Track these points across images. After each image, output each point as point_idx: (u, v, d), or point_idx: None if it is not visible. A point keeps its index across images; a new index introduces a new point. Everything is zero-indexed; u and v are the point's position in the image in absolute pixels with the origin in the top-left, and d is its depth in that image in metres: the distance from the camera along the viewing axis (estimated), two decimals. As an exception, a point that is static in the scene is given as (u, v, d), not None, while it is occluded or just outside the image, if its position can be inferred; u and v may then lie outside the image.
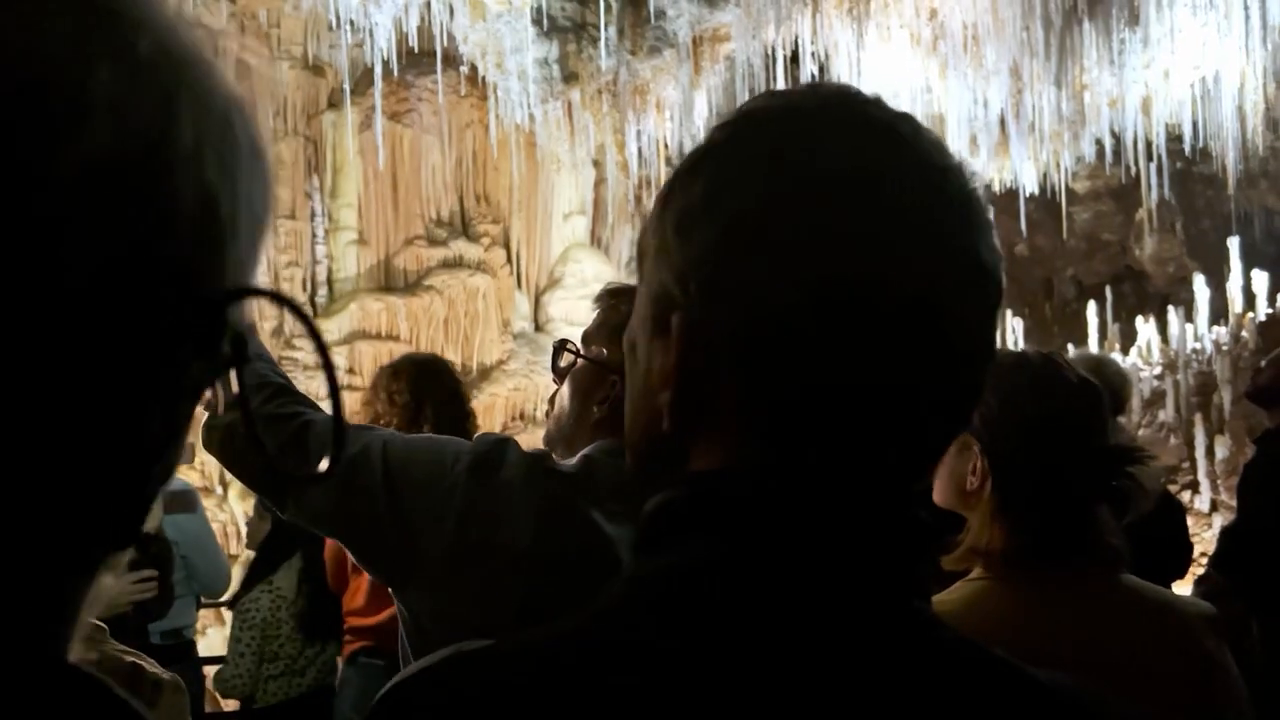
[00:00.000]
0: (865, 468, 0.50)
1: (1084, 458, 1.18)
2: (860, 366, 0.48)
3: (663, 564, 0.50)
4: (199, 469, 6.55)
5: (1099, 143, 8.27)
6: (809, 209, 0.49)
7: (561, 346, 1.34)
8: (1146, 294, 10.57)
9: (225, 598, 3.56)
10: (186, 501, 3.05)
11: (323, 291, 7.74)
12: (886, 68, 7.40)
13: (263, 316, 7.34)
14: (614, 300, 1.34)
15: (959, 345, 0.50)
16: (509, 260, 8.19)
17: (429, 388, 2.31)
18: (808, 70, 7.14)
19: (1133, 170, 8.48)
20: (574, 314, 7.94)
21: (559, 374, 1.35)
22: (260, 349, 1.33)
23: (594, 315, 1.36)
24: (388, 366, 2.45)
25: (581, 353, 1.33)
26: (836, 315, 0.48)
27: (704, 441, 0.52)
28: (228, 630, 3.92)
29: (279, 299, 0.39)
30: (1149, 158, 8.26)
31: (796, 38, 6.97)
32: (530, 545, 1.14)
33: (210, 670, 3.18)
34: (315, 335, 0.40)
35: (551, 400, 1.36)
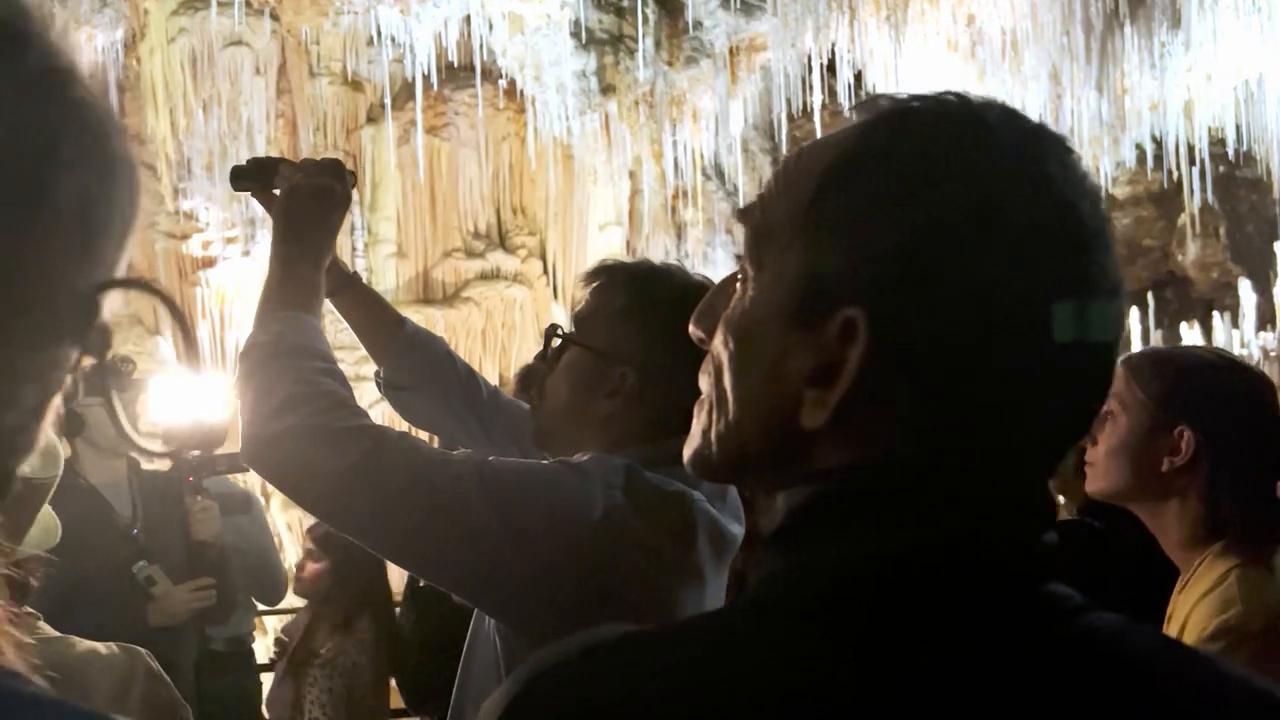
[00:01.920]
0: (1014, 468, 0.52)
1: None
2: (1029, 377, 0.51)
3: (825, 559, 0.50)
4: (242, 480, 6.60)
5: (1139, 147, 8.18)
6: (996, 227, 0.51)
7: (553, 332, 1.23)
8: (1190, 300, 10.42)
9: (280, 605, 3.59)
10: (243, 503, 3.05)
11: (362, 304, 7.81)
12: (924, 74, 7.36)
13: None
14: (608, 280, 1.23)
15: (1104, 363, 0.55)
16: (545, 271, 8.22)
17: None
18: (844, 78, 7.12)
19: (1174, 175, 8.38)
20: (610, 325, 7.95)
21: (549, 362, 1.23)
22: (319, 344, 1.21)
23: (587, 295, 1.24)
24: None
25: (579, 339, 1.21)
26: (1010, 331, 0.50)
27: (846, 438, 0.52)
28: (270, 640, 3.95)
29: (148, 288, 0.44)
30: (1191, 162, 8.16)
31: (833, 46, 6.96)
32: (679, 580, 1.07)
33: (266, 678, 3.20)
34: (179, 318, 0.45)
35: (526, 385, 1.27)
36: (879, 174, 0.52)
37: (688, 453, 0.59)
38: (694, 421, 0.58)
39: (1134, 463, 1.30)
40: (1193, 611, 1.23)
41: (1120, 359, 1.41)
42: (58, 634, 1.29)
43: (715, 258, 8.53)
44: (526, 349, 8.24)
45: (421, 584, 2.74)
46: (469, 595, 1.15)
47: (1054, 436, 0.53)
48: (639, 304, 1.20)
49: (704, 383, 0.58)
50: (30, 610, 1.27)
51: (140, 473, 2.82)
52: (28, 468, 1.36)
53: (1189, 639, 1.19)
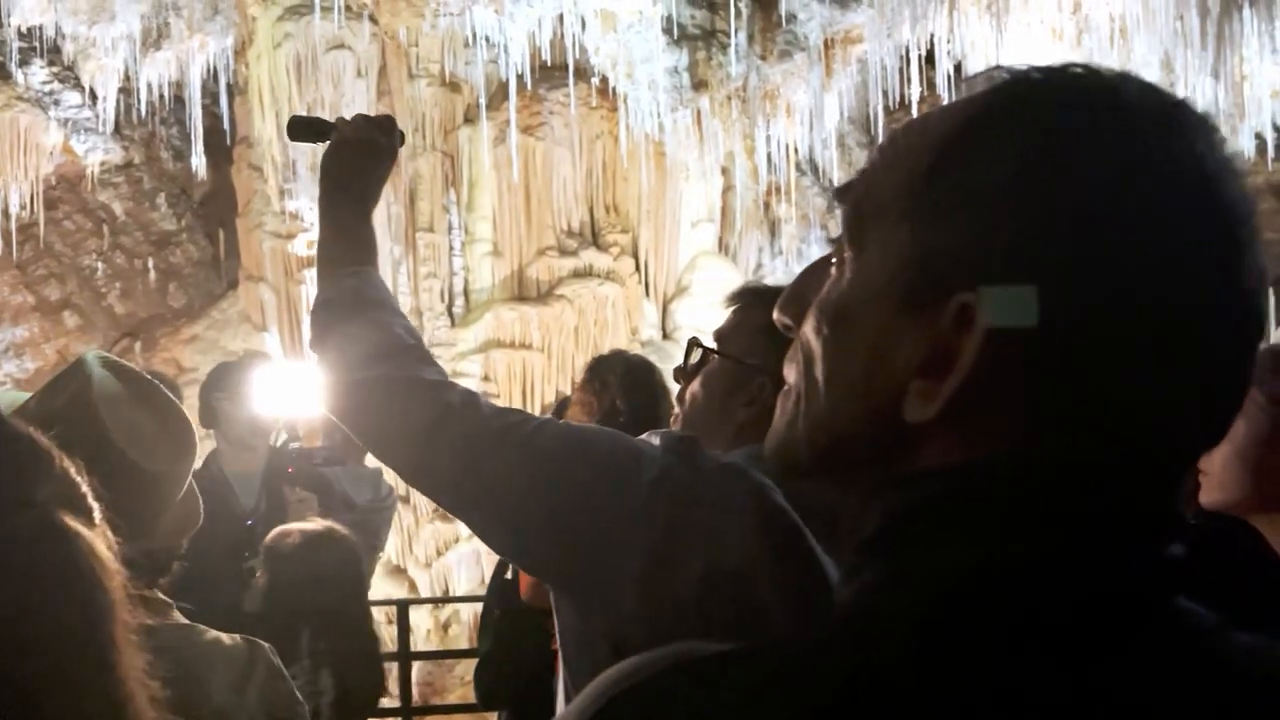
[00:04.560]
0: (1142, 474, 0.48)
1: None
2: (1163, 375, 0.47)
3: (928, 572, 0.46)
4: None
5: (1259, 136, 7.78)
6: (1137, 209, 0.46)
7: (694, 344, 1.29)
8: (1314, 297, 9.89)
9: None
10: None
11: (459, 302, 7.94)
12: (1027, 65, 7.14)
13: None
14: (752, 300, 1.29)
15: (1244, 363, 0.50)
16: (637, 269, 8.25)
17: (632, 387, 2.21)
18: (943, 70, 6.95)
19: (1298, 165, 7.95)
20: (702, 321, 7.92)
21: (689, 374, 1.29)
22: (393, 300, 1.25)
23: (729, 314, 1.30)
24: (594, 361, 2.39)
25: (719, 350, 1.27)
26: (1150, 324, 0.46)
27: (956, 435, 0.48)
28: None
29: None
30: (1316, 151, 7.74)
31: (932, 36, 6.80)
32: (741, 566, 1.02)
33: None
34: None
35: (679, 399, 1.30)
36: (1004, 148, 0.47)
37: (771, 444, 0.55)
38: (778, 413, 0.55)
39: (1253, 472, 1.19)
40: None
41: None
42: (188, 622, 1.33)
43: (810, 254, 8.42)
44: (618, 346, 8.27)
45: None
46: (536, 555, 1.14)
47: (1187, 441, 0.49)
48: None
49: (790, 372, 0.54)
50: (165, 598, 1.32)
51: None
52: (148, 461, 1.42)
53: None
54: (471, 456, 1.10)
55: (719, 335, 1.29)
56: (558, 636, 1.12)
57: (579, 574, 1.07)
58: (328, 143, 1.34)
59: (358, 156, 1.31)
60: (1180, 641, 0.46)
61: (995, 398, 0.47)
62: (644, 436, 1.14)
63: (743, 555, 1.02)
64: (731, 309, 1.30)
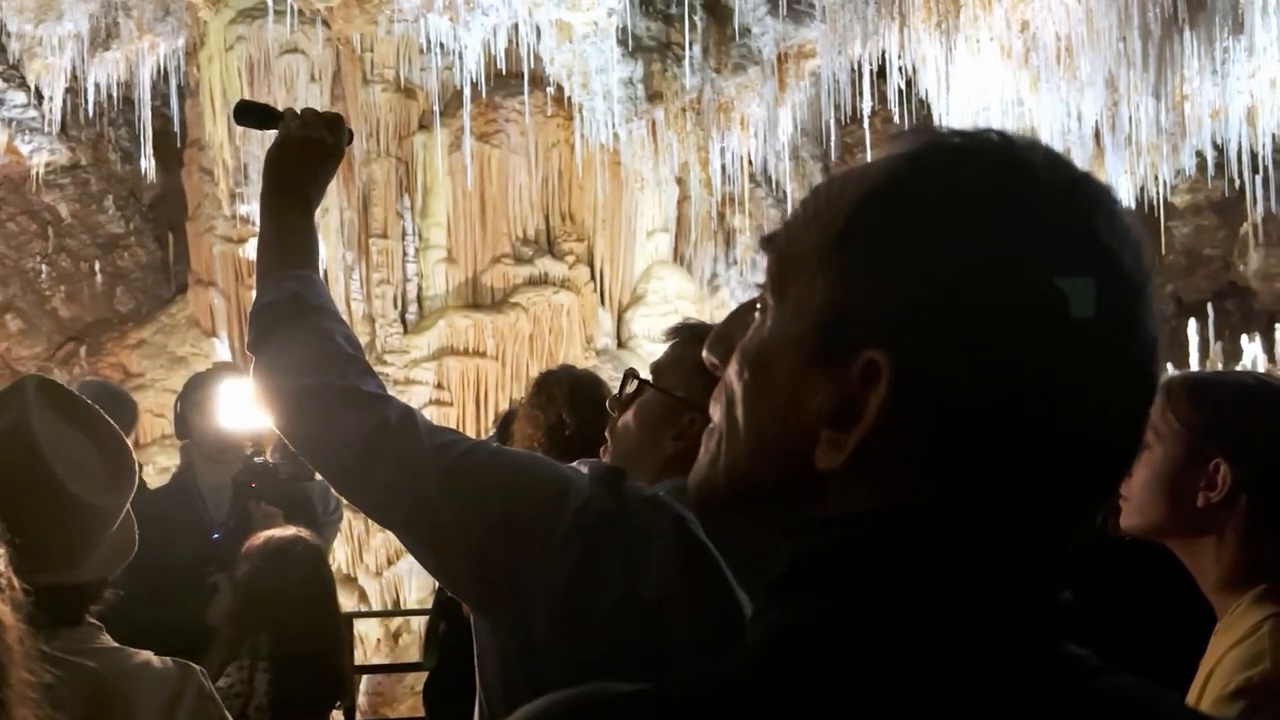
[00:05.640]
0: (1035, 524, 0.51)
1: None
2: (1057, 434, 0.49)
3: (829, 617, 0.48)
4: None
5: (1200, 155, 7.98)
6: (1032, 280, 0.49)
7: (630, 375, 1.29)
8: (1252, 311, 10.14)
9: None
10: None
11: (413, 308, 7.90)
12: (976, 81, 7.27)
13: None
14: (690, 336, 1.28)
15: (1136, 423, 0.53)
16: (593, 277, 8.26)
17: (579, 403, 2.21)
18: (894, 85, 7.06)
19: (1236, 183, 8.17)
20: (656, 330, 7.95)
21: (623, 404, 1.29)
22: (334, 305, 1.24)
23: (667, 348, 1.31)
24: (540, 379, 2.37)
25: (654, 384, 1.27)
26: (1042, 390, 0.49)
27: (861, 483, 0.50)
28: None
29: None
30: (1254, 170, 7.95)
31: (883, 52, 6.90)
32: (656, 597, 1.04)
33: None
34: None
35: (610, 429, 1.30)
36: (912, 212, 0.50)
37: (694, 481, 0.56)
38: (701, 449, 0.56)
39: (1169, 497, 1.20)
40: (1220, 663, 1.14)
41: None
42: (116, 645, 1.32)
43: (764, 265, 8.48)
44: (573, 354, 8.27)
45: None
46: (459, 577, 1.15)
47: (1080, 494, 0.51)
48: None
49: (714, 411, 0.56)
50: (94, 621, 1.31)
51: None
52: (88, 494, 1.40)
53: (1212, 693, 1.10)
54: (403, 476, 1.10)
55: (655, 368, 1.30)
56: (475, 659, 1.13)
57: (498, 596, 1.08)
58: (274, 134, 1.32)
59: (303, 156, 1.28)
60: (1063, 687, 0.48)
61: (897, 452, 0.49)
62: (574, 464, 1.16)
63: (660, 587, 1.04)
64: (670, 343, 1.30)
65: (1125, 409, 0.51)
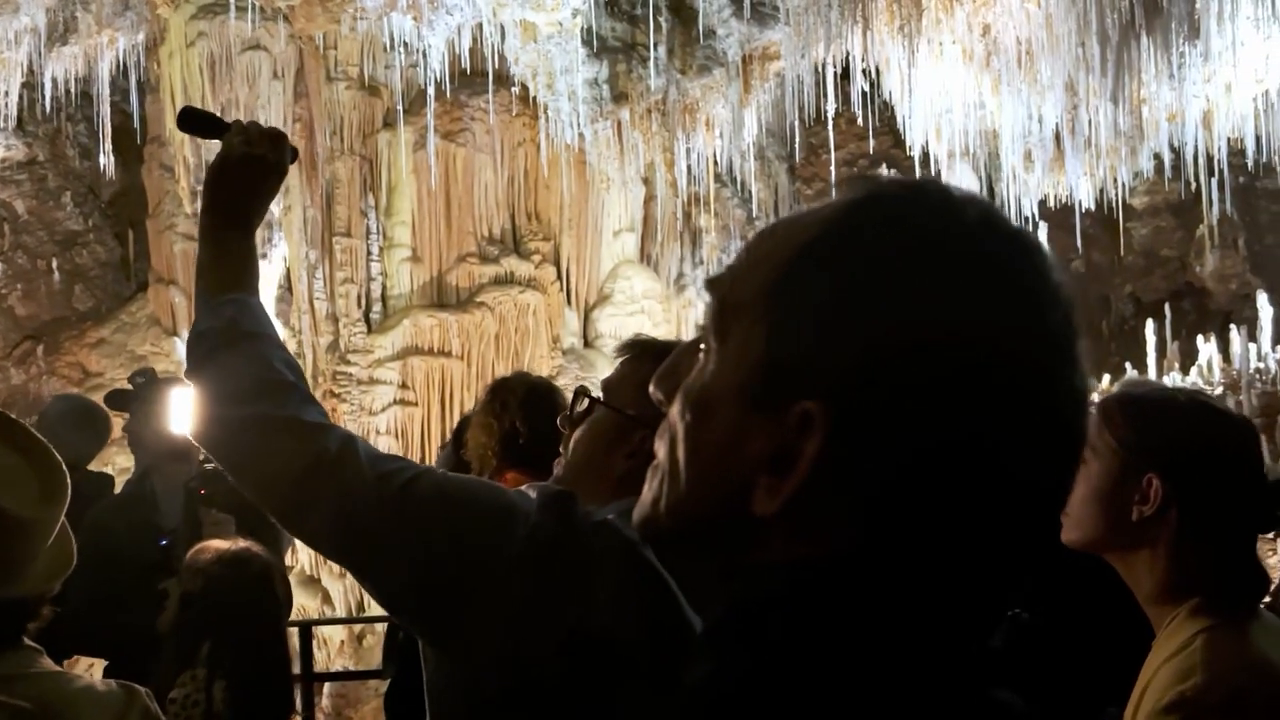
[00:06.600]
0: (966, 574, 0.52)
1: (1262, 489, 1.24)
2: (987, 488, 0.51)
3: (761, 667, 0.49)
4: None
5: (1158, 157, 8.11)
6: (963, 335, 0.50)
7: (581, 393, 1.28)
8: (1208, 311, 10.32)
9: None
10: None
11: (377, 308, 7.85)
12: (938, 84, 7.34)
13: (318, 332, 7.48)
14: (640, 353, 1.28)
15: (1066, 475, 0.54)
16: (559, 277, 8.25)
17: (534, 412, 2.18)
18: (858, 87, 7.11)
19: (1193, 185, 8.31)
20: (623, 330, 7.96)
21: (574, 421, 1.28)
22: (273, 330, 1.21)
23: (617, 365, 1.30)
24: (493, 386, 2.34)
25: (605, 402, 1.26)
26: (971, 444, 0.50)
27: (796, 530, 0.51)
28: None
29: None
30: (1210, 173, 8.08)
31: (847, 55, 6.95)
32: (607, 625, 1.04)
33: None
34: None
35: (563, 446, 1.29)
36: (845, 269, 0.51)
37: (638, 516, 0.57)
38: (646, 486, 0.57)
39: (1105, 511, 1.22)
40: (1155, 677, 1.15)
41: (1096, 399, 1.32)
42: (56, 669, 1.31)
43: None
44: (539, 353, 8.27)
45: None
46: (406, 607, 1.14)
47: (1010, 545, 0.52)
48: None
49: (659, 448, 0.57)
50: (33, 644, 1.29)
51: None
52: (15, 505, 1.38)
53: (1146, 708, 1.12)
54: (343, 508, 1.08)
55: (606, 385, 1.29)
56: (425, 687, 1.13)
57: (445, 625, 1.08)
58: (218, 142, 1.28)
59: (244, 175, 1.25)
60: None
61: (830, 501, 0.50)
62: (523, 488, 1.15)
63: (610, 615, 1.04)
64: (620, 360, 1.30)
65: (1050, 461, 0.52)
